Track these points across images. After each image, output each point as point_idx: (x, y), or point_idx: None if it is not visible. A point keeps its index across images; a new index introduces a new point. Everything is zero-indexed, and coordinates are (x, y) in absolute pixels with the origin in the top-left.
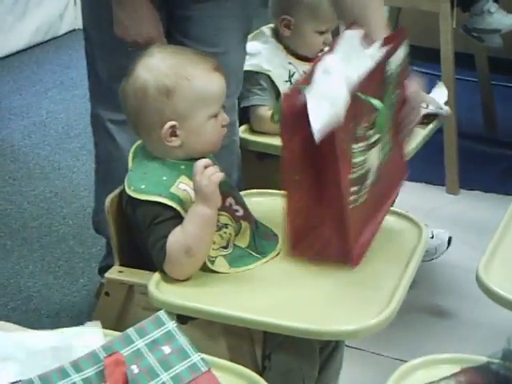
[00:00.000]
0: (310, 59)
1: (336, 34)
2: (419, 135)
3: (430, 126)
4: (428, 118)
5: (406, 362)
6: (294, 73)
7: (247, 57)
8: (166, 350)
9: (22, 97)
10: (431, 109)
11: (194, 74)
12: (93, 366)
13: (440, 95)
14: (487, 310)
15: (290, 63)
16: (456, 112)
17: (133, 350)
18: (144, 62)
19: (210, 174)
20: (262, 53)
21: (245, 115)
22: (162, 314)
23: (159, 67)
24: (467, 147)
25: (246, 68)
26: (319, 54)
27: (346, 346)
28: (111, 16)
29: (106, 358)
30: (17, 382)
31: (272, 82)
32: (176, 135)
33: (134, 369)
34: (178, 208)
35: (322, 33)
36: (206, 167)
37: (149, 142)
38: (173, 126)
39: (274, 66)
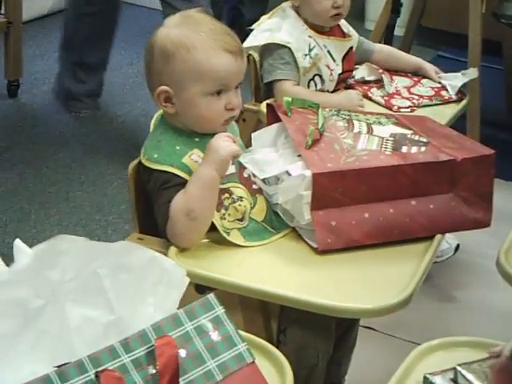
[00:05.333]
0: (333, 33)
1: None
2: (444, 117)
3: (454, 111)
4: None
5: (418, 344)
6: (314, 46)
7: (268, 32)
8: (214, 336)
9: (45, 62)
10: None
11: (197, 47)
12: (142, 346)
13: (455, 78)
14: (502, 296)
15: (310, 36)
16: (480, 99)
17: (182, 332)
18: (166, 22)
19: (231, 144)
20: (282, 27)
21: (269, 90)
22: (211, 297)
23: (170, 32)
24: (490, 135)
25: (267, 41)
26: (345, 30)
27: (360, 325)
28: None
29: (158, 339)
30: (65, 363)
31: (293, 55)
32: (172, 102)
33: (182, 353)
34: (188, 178)
35: None
36: (228, 137)
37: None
38: (166, 92)
39: (294, 38)
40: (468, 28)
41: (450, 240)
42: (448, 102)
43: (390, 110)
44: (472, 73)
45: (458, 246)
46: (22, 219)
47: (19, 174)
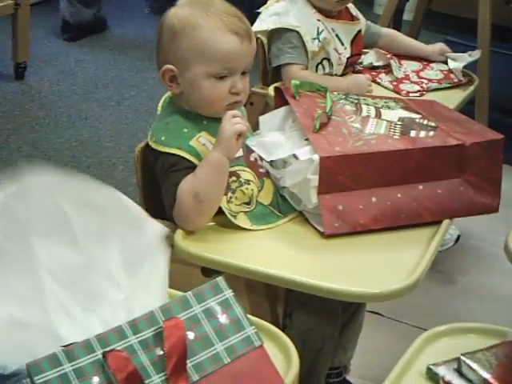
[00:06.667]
0: (341, 16)
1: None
2: (452, 102)
3: (463, 95)
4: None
5: (424, 330)
6: (323, 30)
7: (276, 16)
8: (222, 319)
9: (52, 44)
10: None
11: (203, 26)
12: (150, 327)
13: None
14: (508, 282)
15: (318, 20)
16: (489, 84)
17: (190, 314)
18: (179, 2)
19: (236, 122)
20: (290, 11)
21: (277, 74)
22: (220, 280)
23: (179, 10)
24: (498, 120)
25: (275, 26)
26: (353, 13)
27: (366, 310)
28: None
29: (166, 321)
30: (72, 343)
31: (302, 39)
32: (177, 82)
33: (190, 335)
34: (195, 161)
35: None
36: (234, 116)
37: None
38: (171, 71)
39: (302, 22)
40: (477, 13)
41: (451, 231)
42: (458, 84)
43: (399, 94)
44: (476, 54)
45: (458, 237)
46: None
47: (26, 157)
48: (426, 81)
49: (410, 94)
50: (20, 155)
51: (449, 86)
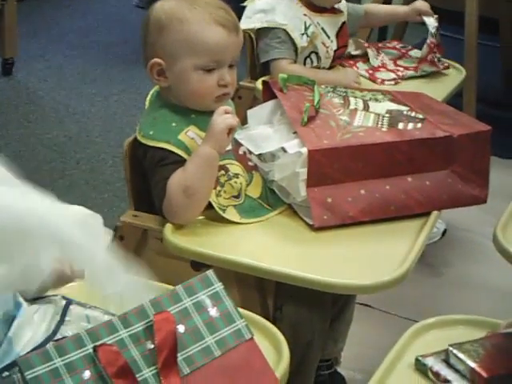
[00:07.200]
0: (326, 10)
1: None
2: (440, 94)
3: (451, 87)
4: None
5: (414, 321)
6: (310, 25)
7: (262, 14)
8: (212, 312)
9: (39, 40)
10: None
11: (190, 19)
12: (140, 321)
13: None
14: (497, 273)
15: (304, 15)
16: (476, 76)
17: (180, 308)
18: None
19: (227, 117)
20: (276, 8)
21: (265, 68)
22: (210, 273)
23: (165, 4)
24: (486, 112)
25: (261, 25)
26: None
27: (356, 302)
28: None
29: (156, 314)
30: (63, 337)
31: (289, 35)
32: (165, 76)
33: (181, 328)
34: (184, 155)
35: None
36: (226, 112)
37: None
38: (159, 64)
39: (289, 18)
40: (464, 5)
41: (437, 224)
42: (434, 72)
43: (374, 83)
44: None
45: (445, 231)
46: None
47: (14, 152)
48: (401, 69)
49: (385, 82)
50: (8, 151)
51: (425, 73)
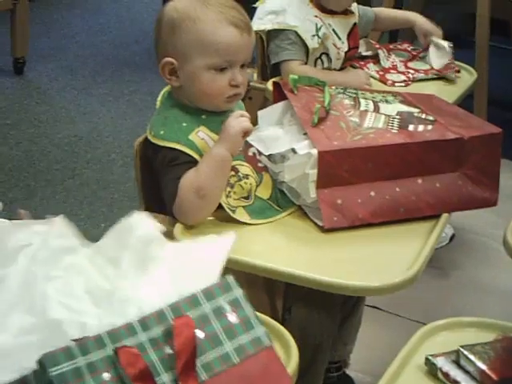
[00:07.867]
0: (336, 12)
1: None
2: (451, 96)
3: (462, 90)
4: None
5: (423, 324)
6: (321, 26)
7: (273, 15)
8: (232, 318)
9: (51, 40)
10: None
11: (203, 19)
12: (159, 325)
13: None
14: (507, 276)
15: (315, 16)
16: (487, 79)
17: (199, 313)
18: None
19: (243, 120)
20: (286, 9)
21: (276, 69)
22: (230, 278)
23: (178, 4)
24: (497, 114)
25: (272, 27)
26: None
27: (365, 305)
28: None
29: (176, 319)
30: (84, 337)
31: (300, 36)
32: (177, 75)
33: (200, 334)
34: (195, 155)
35: None
36: (242, 116)
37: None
38: (171, 64)
39: (300, 20)
40: (475, 7)
41: (446, 229)
42: (444, 75)
43: (385, 84)
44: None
45: (453, 236)
46: (27, 197)
47: (25, 152)
48: (412, 71)
49: (396, 84)
50: (20, 150)
51: (435, 76)
